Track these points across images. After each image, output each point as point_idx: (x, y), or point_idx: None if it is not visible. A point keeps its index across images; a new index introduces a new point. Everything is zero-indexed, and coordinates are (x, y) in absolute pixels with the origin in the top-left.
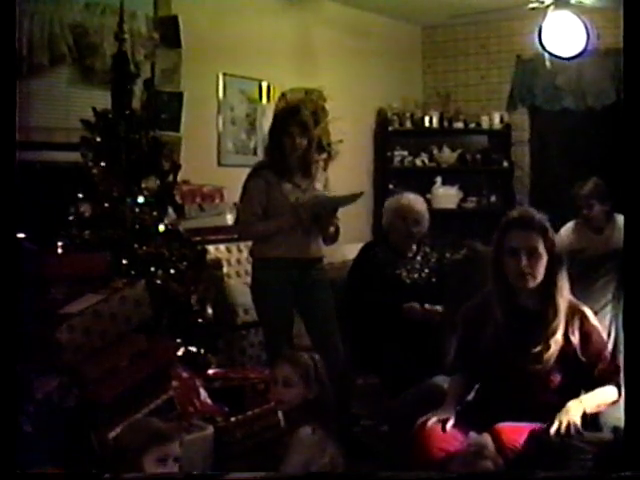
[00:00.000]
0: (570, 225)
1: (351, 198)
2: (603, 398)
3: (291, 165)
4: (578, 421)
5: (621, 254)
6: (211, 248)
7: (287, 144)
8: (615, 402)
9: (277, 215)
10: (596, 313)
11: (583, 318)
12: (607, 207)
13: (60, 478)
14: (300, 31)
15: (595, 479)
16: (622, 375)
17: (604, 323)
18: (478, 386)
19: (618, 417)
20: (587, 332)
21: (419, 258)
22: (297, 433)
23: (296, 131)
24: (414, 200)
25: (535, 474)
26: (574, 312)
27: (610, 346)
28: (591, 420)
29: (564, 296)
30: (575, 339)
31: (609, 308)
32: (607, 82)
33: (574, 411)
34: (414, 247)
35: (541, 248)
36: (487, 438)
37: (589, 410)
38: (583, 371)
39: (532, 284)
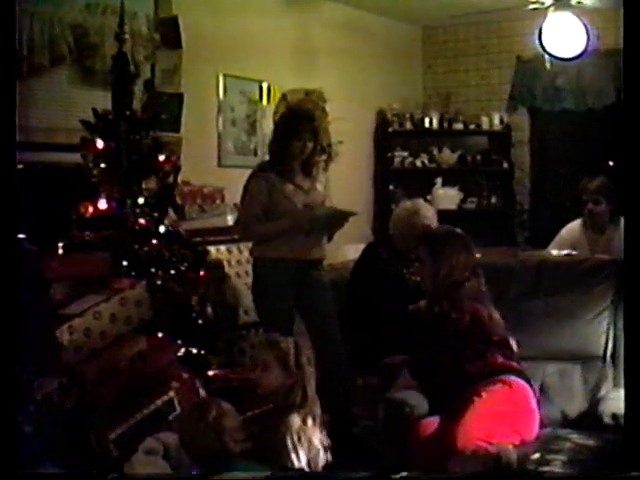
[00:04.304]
0: (573, 224)
1: (348, 214)
2: None
3: (294, 167)
4: None
5: (619, 261)
6: (211, 249)
7: (296, 148)
8: None
9: (278, 216)
10: (594, 318)
11: None
12: (612, 206)
13: (60, 478)
14: (300, 31)
15: (597, 479)
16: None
17: (601, 328)
18: None
19: (618, 406)
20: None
21: None
22: (286, 421)
23: (307, 137)
24: (427, 212)
25: (538, 473)
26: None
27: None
28: (590, 410)
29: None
30: None
31: (607, 313)
32: (607, 83)
33: None
34: None
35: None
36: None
37: None
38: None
39: (425, 286)
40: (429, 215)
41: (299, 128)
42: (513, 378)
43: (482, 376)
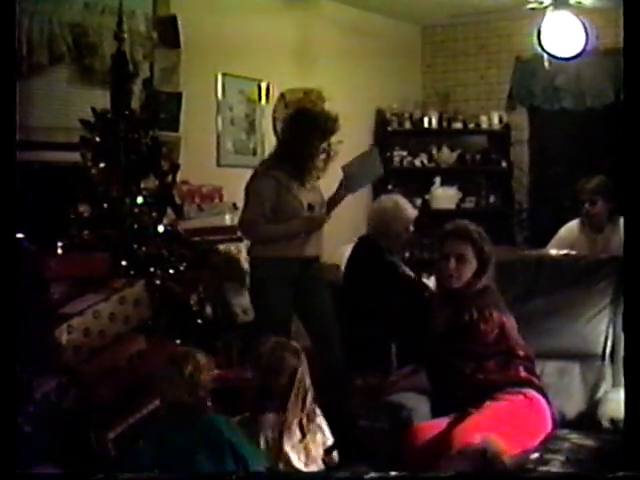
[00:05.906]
0: (572, 223)
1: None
2: None
3: (305, 166)
4: None
5: (620, 258)
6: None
7: (319, 149)
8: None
9: (285, 215)
10: (593, 316)
11: None
12: (610, 206)
13: (60, 478)
14: (300, 31)
15: (595, 479)
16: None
17: (600, 327)
18: None
19: (617, 409)
20: None
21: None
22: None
23: (330, 139)
24: (405, 204)
25: (535, 473)
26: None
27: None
28: (589, 409)
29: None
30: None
31: (607, 311)
32: (606, 82)
33: None
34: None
35: (469, 255)
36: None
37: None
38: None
39: (457, 284)
40: (407, 206)
41: (329, 131)
42: (534, 393)
43: (505, 386)
